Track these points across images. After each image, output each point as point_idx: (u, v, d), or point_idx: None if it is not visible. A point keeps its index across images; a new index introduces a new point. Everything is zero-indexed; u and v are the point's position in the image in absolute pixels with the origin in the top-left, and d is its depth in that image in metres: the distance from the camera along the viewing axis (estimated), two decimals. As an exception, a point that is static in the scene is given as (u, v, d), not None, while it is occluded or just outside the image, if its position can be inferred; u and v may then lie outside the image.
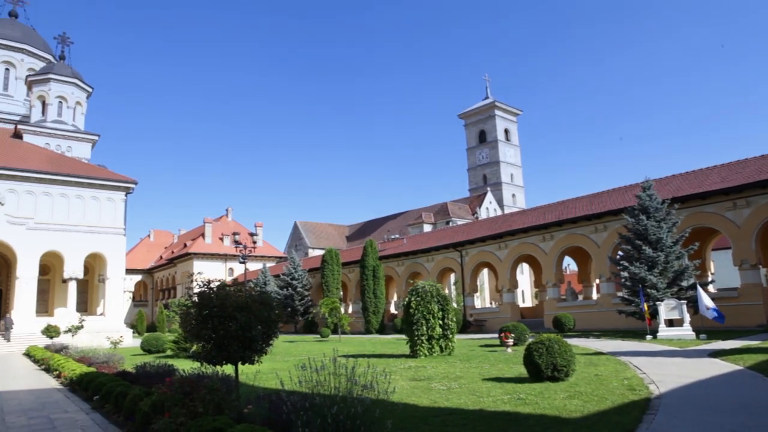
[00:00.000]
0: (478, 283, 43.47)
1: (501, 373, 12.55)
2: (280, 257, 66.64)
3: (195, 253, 61.14)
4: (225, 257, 62.78)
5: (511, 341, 19.07)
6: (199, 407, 6.53)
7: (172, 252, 68.73)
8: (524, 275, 56.82)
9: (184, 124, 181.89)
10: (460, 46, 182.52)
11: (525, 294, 59.92)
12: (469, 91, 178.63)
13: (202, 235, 64.25)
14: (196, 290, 7.90)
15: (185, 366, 13.24)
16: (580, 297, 35.86)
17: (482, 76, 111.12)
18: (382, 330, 39.00)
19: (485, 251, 36.96)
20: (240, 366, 8.21)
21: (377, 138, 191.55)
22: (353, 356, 16.95)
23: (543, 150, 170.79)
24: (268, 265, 53.20)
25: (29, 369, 20.30)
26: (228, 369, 8.26)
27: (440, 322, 18.12)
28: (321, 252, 62.96)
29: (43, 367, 19.89)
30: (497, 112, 79.90)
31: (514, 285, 35.60)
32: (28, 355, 26.62)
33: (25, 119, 52.20)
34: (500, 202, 73.66)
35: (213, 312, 7.28)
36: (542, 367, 10.61)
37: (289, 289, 45.17)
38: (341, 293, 43.92)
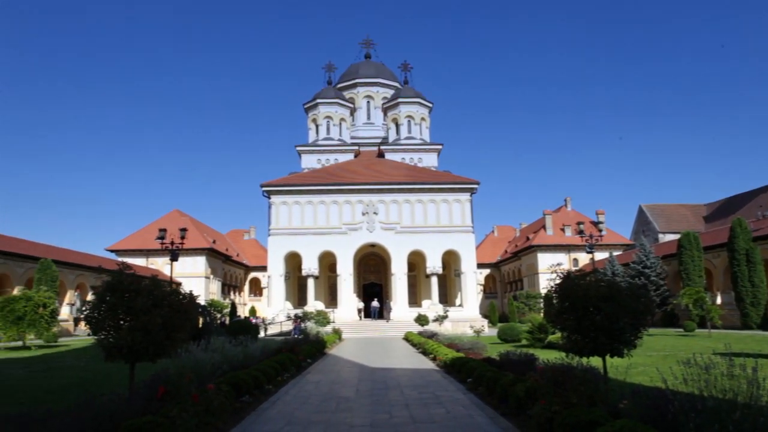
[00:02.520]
0: None
1: None
2: (627, 245, 62.47)
3: (538, 246, 62.20)
4: (568, 248, 62.13)
5: None
6: (572, 397, 6.52)
7: (516, 246, 71.35)
8: None
9: (513, 120, 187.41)
10: None
11: None
12: None
13: (543, 227, 64.95)
14: (556, 281, 7.92)
15: (543, 355, 13.46)
16: None
17: None
18: (765, 325, 32.75)
19: None
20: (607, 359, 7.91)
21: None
22: (735, 355, 14.61)
23: None
24: (615, 253, 50.40)
25: (409, 351, 23.61)
26: (594, 361, 8.04)
27: None
28: (672, 237, 56.56)
29: (420, 350, 22.90)
30: None
31: None
32: (405, 339, 31.07)
33: (384, 140, 61.67)
34: None
35: (576, 302, 7.18)
36: None
37: (642, 278, 41.87)
38: (704, 282, 38.60)
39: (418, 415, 8.71)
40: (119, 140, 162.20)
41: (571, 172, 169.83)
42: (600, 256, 53.32)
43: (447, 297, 50.48)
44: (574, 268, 60.43)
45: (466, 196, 46.67)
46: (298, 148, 60.22)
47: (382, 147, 59.81)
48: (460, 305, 46.12)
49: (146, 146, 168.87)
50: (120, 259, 58.38)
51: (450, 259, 48.77)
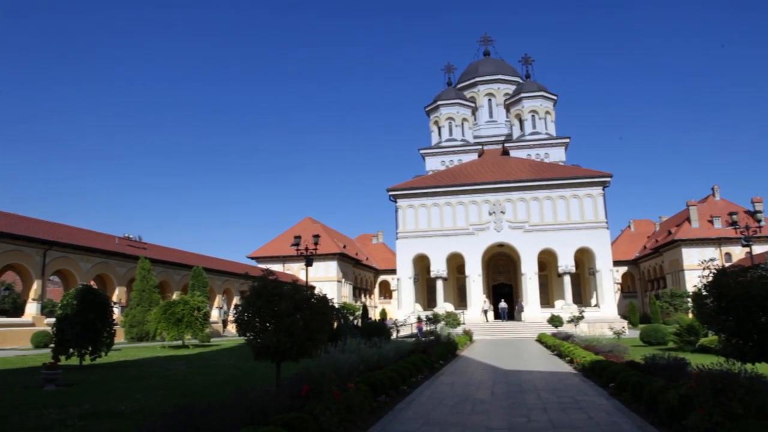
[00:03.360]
0: None
1: None
2: (792, 236, 55.28)
3: (682, 240, 57.13)
4: (718, 241, 56.37)
5: None
6: (736, 408, 5.89)
7: (656, 241, 66.13)
8: None
9: (646, 108, 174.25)
10: None
11: None
12: None
13: (687, 219, 59.51)
14: (708, 278, 7.22)
15: (695, 360, 12.33)
16: None
17: None
18: None
19: None
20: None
21: None
22: None
23: None
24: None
25: (543, 353, 22.80)
26: (761, 368, 7.21)
27: None
28: None
29: (554, 352, 22.02)
30: None
31: None
32: (539, 341, 30.05)
33: (508, 138, 60.23)
34: None
35: (736, 302, 6.49)
36: None
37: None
38: None
39: (558, 419, 8.38)
40: (255, 157, 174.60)
41: (716, 159, 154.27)
42: (759, 249, 47.70)
43: (581, 297, 48.05)
44: (726, 264, 54.62)
45: (597, 190, 44.18)
46: (422, 151, 60.73)
47: (506, 145, 58.49)
48: (596, 305, 43.69)
49: (278, 158, 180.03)
50: (259, 265, 62.75)
51: (583, 257, 46.43)
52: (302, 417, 6.35)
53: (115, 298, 35.92)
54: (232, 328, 49.67)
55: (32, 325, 30.70)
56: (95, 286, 23.21)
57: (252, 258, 67.28)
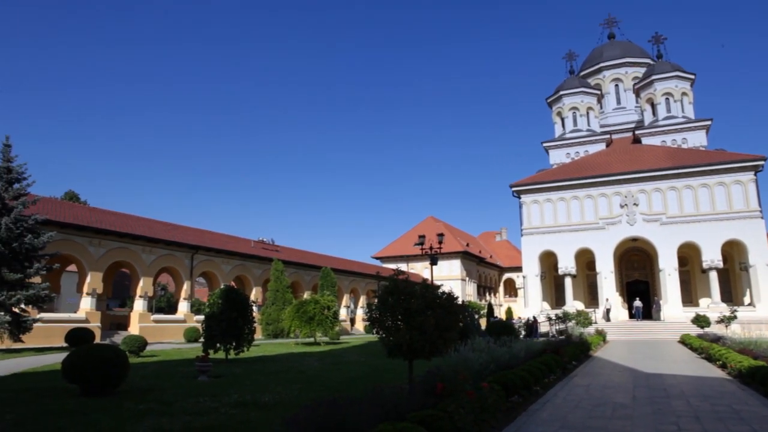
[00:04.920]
0: None
1: None
2: None
3: None
4: None
5: None
6: None
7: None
8: None
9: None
10: None
11: None
12: None
13: None
14: None
15: None
16: None
17: None
18: None
19: None
20: None
21: None
22: None
23: None
24: None
25: (689, 356, 20.99)
26: None
27: None
28: None
29: (702, 356, 20.20)
30: None
31: None
32: (682, 342, 27.73)
33: (638, 124, 56.22)
34: None
35: None
36: None
37: None
38: None
39: (714, 430, 7.65)
40: (376, 157, 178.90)
41: None
42: None
43: (731, 295, 43.54)
44: None
45: (748, 176, 39.85)
46: (545, 144, 58.60)
47: (637, 132, 54.63)
48: (750, 304, 39.37)
49: (398, 157, 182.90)
50: (384, 265, 64.18)
51: (732, 251, 42.12)
52: (437, 415, 6.37)
53: (252, 298, 38.62)
54: (359, 325, 51.36)
55: (184, 321, 33.94)
56: (235, 287, 25.11)
57: (376, 258, 69.03)
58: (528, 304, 45.55)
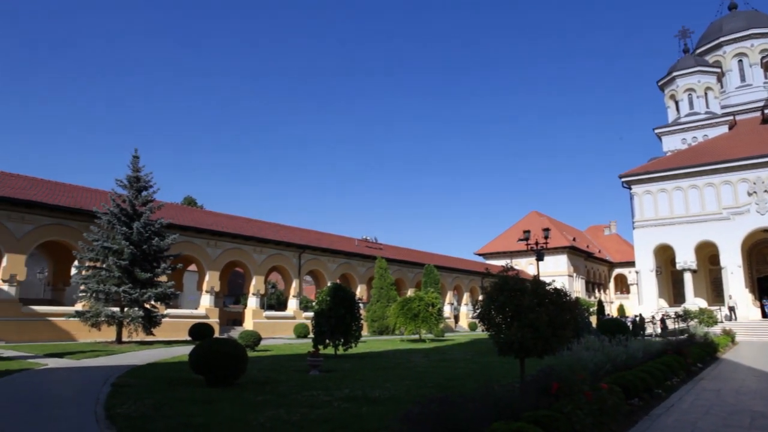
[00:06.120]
0: None
1: None
2: None
3: None
4: None
5: None
6: None
7: None
8: None
9: None
10: None
11: None
12: None
13: None
14: None
15: None
16: None
17: None
18: None
19: None
20: None
21: None
22: None
23: None
24: None
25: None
26: None
27: None
28: None
29: None
30: None
31: None
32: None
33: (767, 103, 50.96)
34: None
35: None
36: None
37: None
38: None
39: None
40: (478, 152, 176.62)
41: None
42: None
43: None
44: None
45: None
46: (657, 131, 54.82)
47: (766, 111, 49.57)
48: None
49: (499, 151, 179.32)
50: (487, 261, 63.19)
51: None
52: (553, 416, 6.14)
53: (357, 295, 39.57)
54: (463, 323, 50.96)
55: (293, 318, 35.44)
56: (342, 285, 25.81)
57: (479, 254, 68.17)
58: (642, 301, 42.88)
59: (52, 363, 14.53)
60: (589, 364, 9.99)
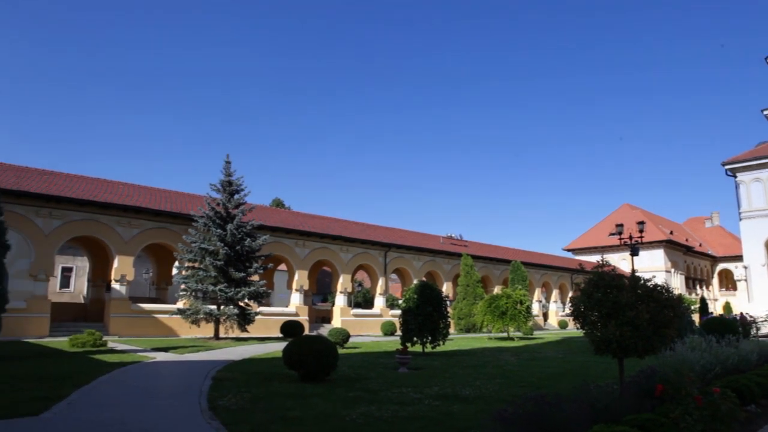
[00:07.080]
0: None
1: None
2: None
3: None
4: None
5: None
6: None
7: None
8: None
9: None
10: None
11: None
12: None
13: None
14: None
15: None
16: None
17: None
18: None
19: None
20: None
21: None
22: None
23: None
24: None
25: None
26: None
27: None
28: None
29: None
30: None
31: None
32: None
33: None
34: None
35: None
36: None
37: None
38: None
39: None
40: (561, 145, 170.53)
41: None
42: None
43: None
44: None
45: None
46: (766, 112, 50.40)
47: None
48: None
49: (587, 144, 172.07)
50: (577, 257, 60.90)
51: None
52: (658, 420, 5.78)
53: (443, 293, 39.38)
54: (552, 320, 49.41)
55: (380, 315, 35.83)
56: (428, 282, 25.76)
57: (568, 250, 65.85)
58: (752, 299, 39.63)
59: (160, 357, 15.60)
60: (696, 366, 9.35)
